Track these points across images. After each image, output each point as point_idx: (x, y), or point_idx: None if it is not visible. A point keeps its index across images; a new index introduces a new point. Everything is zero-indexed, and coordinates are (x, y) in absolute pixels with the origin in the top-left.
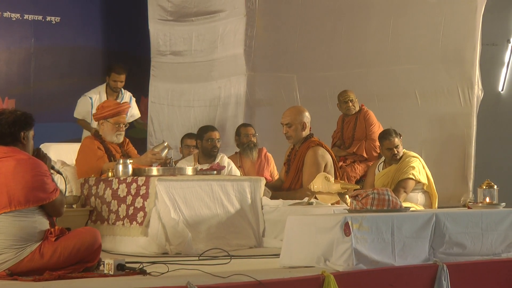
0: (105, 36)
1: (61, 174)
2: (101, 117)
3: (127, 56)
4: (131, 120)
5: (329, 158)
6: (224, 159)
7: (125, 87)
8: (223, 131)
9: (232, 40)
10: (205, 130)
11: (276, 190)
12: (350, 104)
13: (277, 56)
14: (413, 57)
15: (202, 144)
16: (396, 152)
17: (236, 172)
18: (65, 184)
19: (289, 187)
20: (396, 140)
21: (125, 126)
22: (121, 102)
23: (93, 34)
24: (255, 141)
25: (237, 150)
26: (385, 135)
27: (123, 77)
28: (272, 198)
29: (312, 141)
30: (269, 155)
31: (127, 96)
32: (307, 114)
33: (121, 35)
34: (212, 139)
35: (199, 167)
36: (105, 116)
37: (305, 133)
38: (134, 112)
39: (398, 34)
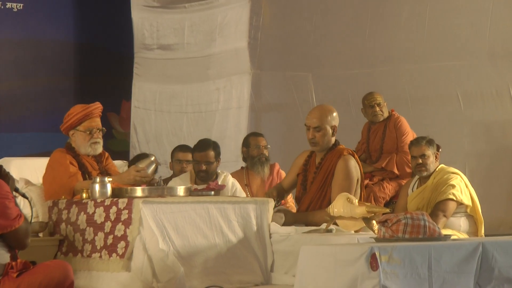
0: (78, 26)
1: (26, 198)
2: (68, 126)
3: (105, 51)
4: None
5: (359, 174)
6: (228, 179)
7: (102, 89)
8: (222, 142)
9: (233, 31)
10: (194, 148)
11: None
12: (377, 108)
13: (288, 50)
14: (454, 52)
15: (193, 163)
16: (421, 161)
17: (242, 194)
18: (31, 209)
19: (308, 206)
20: (425, 148)
21: (100, 132)
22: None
23: (64, 24)
24: (267, 155)
25: (243, 164)
26: (413, 140)
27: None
28: (286, 224)
29: (343, 149)
30: (282, 172)
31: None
32: (336, 115)
33: (97, 25)
34: (197, 162)
35: (193, 186)
36: (72, 124)
37: (333, 139)
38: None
39: (435, 24)
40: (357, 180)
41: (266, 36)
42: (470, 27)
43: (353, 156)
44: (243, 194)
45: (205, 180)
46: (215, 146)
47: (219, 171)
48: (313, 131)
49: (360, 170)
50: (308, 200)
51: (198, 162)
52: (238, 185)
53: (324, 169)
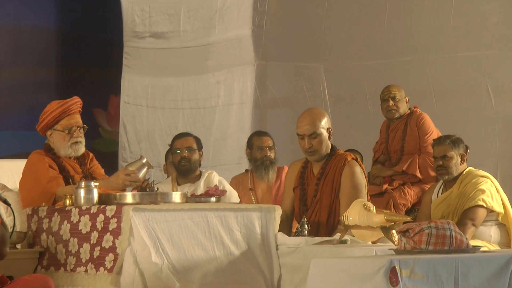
0: (60, 11)
1: (8, 204)
2: (44, 126)
3: (90, 40)
4: None
5: (366, 181)
6: (213, 177)
7: (87, 82)
8: (223, 142)
9: (235, 17)
10: (172, 140)
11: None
12: (391, 102)
13: (297, 39)
14: (484, 40)
15: (172, 158)
16: (441, 163)
17: (233, 195)
18: (13, 215)
19: (318, 223)
20: (447, 148)
21: (81, 130)
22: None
23: (45, 9)
24: (272, 157)
25: (248, 166)
26: (436, 139)
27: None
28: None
29: (344, 154)
30: None
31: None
32: (328, 117)
33: (82, 10)
34: (178, 149)
35: (188, 191)
36: (48, 123)
37: (330, 143)
38: None
39: (463, 10)
40: (365, 186)
41: (272, 23)
42: (502, 12)
43: (357, 161)
44: (235, 195)
45: (187, 174)
46: (196, 137)
47: (202, 170)
48: (309, 139)
49: (365, 176)
50: (322, 215)
51: (178, 149)
52: (226, 184)
53: (330, 179)
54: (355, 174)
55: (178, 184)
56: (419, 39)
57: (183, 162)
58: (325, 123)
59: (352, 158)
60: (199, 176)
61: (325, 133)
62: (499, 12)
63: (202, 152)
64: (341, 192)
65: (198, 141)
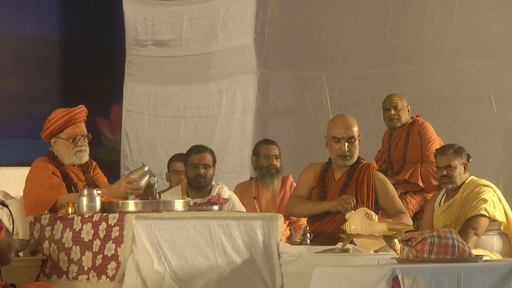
0: (62, 20)
1: (6, 206)
2: (49, 134)
3: (92, 48)
4: None
5: None
6: (224, 191)
7: (89, 91)
8: (225, 150)
9: (237, 25)
10: (188, 152)
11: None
12: (393, 112)
13: (299, 47)
14: (486, 49)
15: (186, 171)
16: (446, 173)
17: (240, 209)
18: (12, 221)
19: None
20: (451, 158)
21: (85, 139)
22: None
23: (47, 17)
24: (278, 166)
25: (253, 174)
26: (439, 149)
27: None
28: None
29: (371, 163)
30: None
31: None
32: None
33: (84, 19)
34: (195, 165)
35: (192, 201)
36: (53, 131)
37: None
38: None
39: (465, 19)
40: None
41: (275, 31)
42: (504, 21)
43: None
44: (242, 209)
45: (201, 189)
46: (211, 151)
47: (213, 182)
48: (346, 143)
49: None
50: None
51: (195, 165)
52: (236, 199)
53: (361, 185)
54: (387, 181)
55: (190, 197)
56: (421, 48)
57: (199, 179)
58: (358, 130)
59: (374, 167)
60: (209, 190)
61: (358, 140)
62: (501, 21)
63: (215, 165)
64: (382, 198)
65: (213, 155)
